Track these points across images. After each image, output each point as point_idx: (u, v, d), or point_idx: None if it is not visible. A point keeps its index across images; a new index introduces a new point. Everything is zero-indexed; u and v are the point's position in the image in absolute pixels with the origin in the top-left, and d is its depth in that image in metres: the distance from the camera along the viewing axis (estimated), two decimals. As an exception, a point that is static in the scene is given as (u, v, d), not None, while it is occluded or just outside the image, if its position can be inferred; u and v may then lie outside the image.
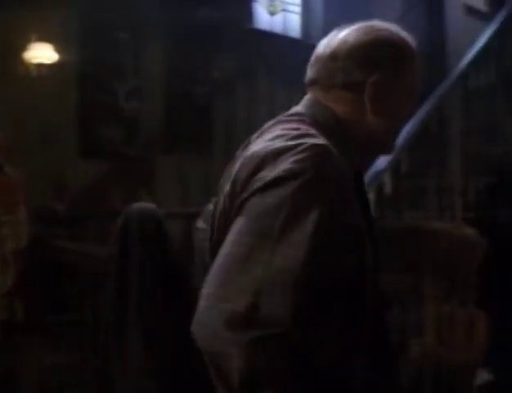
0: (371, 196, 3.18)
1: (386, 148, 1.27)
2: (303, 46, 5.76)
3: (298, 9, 6.01)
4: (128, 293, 1.33)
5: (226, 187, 1.10)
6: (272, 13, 5.85)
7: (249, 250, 0.98)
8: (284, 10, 5.96)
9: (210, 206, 1.25)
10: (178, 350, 1.24)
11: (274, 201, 0.99)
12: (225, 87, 4.91)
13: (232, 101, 4.96)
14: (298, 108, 1.22)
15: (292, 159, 1.01)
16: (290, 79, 5.36)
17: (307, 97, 1.24)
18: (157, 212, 1.39)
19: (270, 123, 1.20)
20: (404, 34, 1.24)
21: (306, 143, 1.04)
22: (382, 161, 3.35)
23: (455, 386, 3.25)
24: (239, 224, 1.02)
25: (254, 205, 1.01)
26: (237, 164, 1.10)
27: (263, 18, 5.76)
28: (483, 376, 3.48)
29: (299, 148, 1.03)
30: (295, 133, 1.08)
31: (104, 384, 1.37)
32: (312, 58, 1.26)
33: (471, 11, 6.82)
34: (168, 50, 5.20)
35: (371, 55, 1.19)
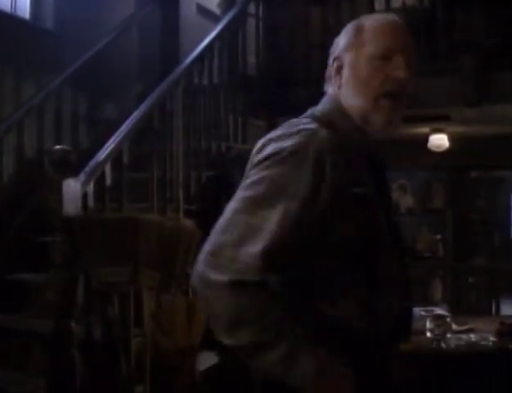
0: (91, 188, 3.15)
1: (375, 119, 1.38)
2: (31, 28, 5.49)
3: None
4: None
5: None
6: (-1, -9, 5.46)
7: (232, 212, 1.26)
8: (13, -12, 5.60)
9: None
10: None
11: (266, 172, 1.26)
12: None
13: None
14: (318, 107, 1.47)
15: (282, 139, 1.30)
16: (18, 62, 5.11)
17: None
18: None
19: None
20: (373, 15, 1.48)
21: (295, 130, 1.32)
22: (102, 152, 3.33)
23: (178, 371, 3.36)
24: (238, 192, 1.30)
25: (252, 175, 1.29)
26: None
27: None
28: (209, 360, 3.65)
29: (289, 132, 1.32)
30: (288, 126, 1.35)
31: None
32: None
33: (204, 11, 7.08)
34: None
35: (335, 42, 1.46)
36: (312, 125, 1.34)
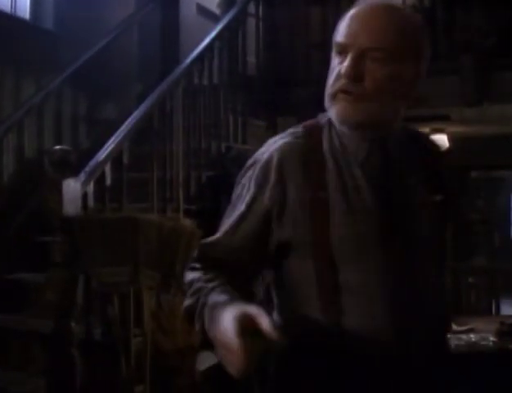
0: (91, 188, 3.16)
1: (332, 116, 1.28)
2: (31, 28, 5.49)
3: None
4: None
5: None
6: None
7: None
8: (13, -12, 5.59)
9: None
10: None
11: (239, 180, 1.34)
12: None
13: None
14: None
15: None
16: (18, 62, 5.11)
17: None
18: None
19: None
20: (359, 3, 1.28)
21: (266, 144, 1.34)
22: (102, 152, 3.34)
23: (178, 371, 3.36)
24: None
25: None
26: None
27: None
28: (209, 360, 3.65)
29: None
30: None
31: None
32: None
33: (204, 11, 7.08)
34: None
35: None
36: (285, 133, 1.34)
